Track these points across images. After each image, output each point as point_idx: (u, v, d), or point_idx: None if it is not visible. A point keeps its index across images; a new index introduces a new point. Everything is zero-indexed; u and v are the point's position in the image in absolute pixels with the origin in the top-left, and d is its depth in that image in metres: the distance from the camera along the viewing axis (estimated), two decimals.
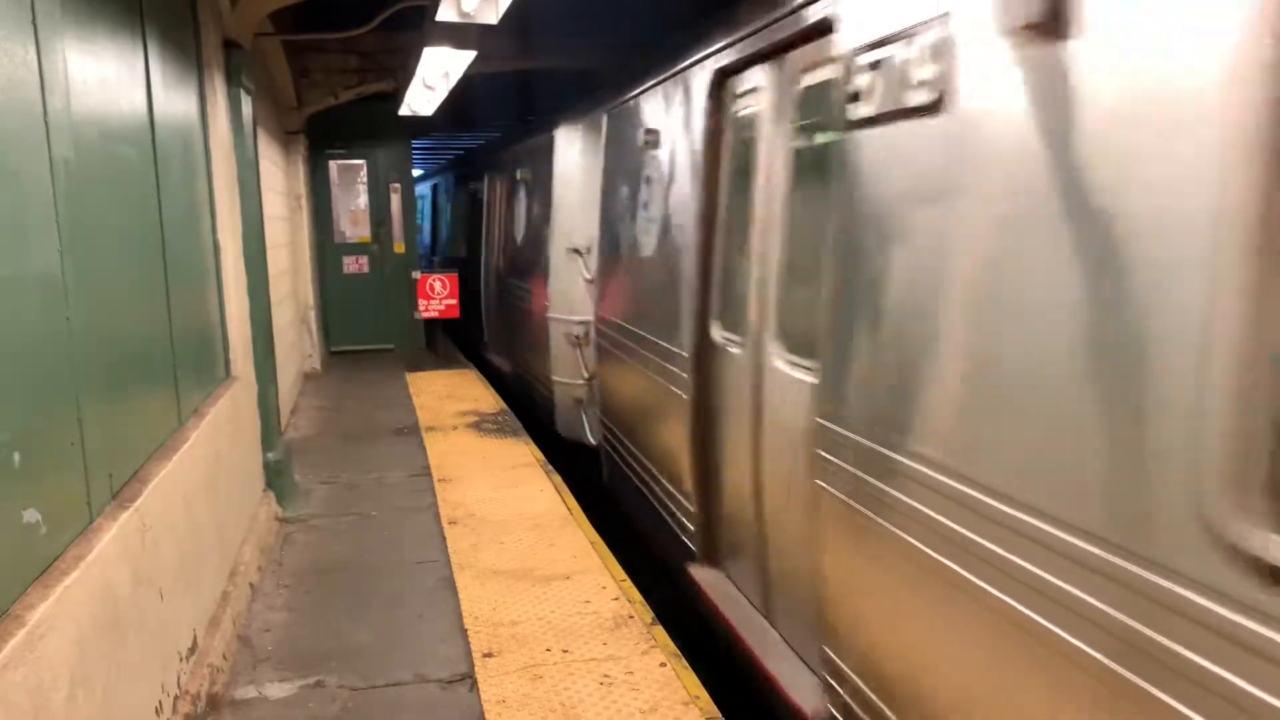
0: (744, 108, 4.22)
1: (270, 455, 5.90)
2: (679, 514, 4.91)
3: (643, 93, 5.65)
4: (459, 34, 6.22)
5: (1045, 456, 2.10)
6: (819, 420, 3.14)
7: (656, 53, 5.52)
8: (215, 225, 4.85)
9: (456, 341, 13.43)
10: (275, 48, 8.01)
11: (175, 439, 3.68)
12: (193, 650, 3.55)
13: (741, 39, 4.10)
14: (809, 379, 3.36)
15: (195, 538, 3.78)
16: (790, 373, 3.64)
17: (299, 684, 3.84)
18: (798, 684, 3.49)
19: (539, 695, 3.68)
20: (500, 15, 5.33)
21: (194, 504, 3.79)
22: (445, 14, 5.26)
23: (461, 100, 10.13)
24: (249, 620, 4.43)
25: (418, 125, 11.81)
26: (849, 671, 3.05)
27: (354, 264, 12.39)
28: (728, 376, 4.32)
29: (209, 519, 4.06)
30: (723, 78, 4.39)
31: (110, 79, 3.13)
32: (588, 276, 7.12)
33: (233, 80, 5.43)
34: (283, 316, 8.29)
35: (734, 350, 4.22)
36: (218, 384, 4.75)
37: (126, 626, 2.75)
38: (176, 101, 4.16)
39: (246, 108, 5.67)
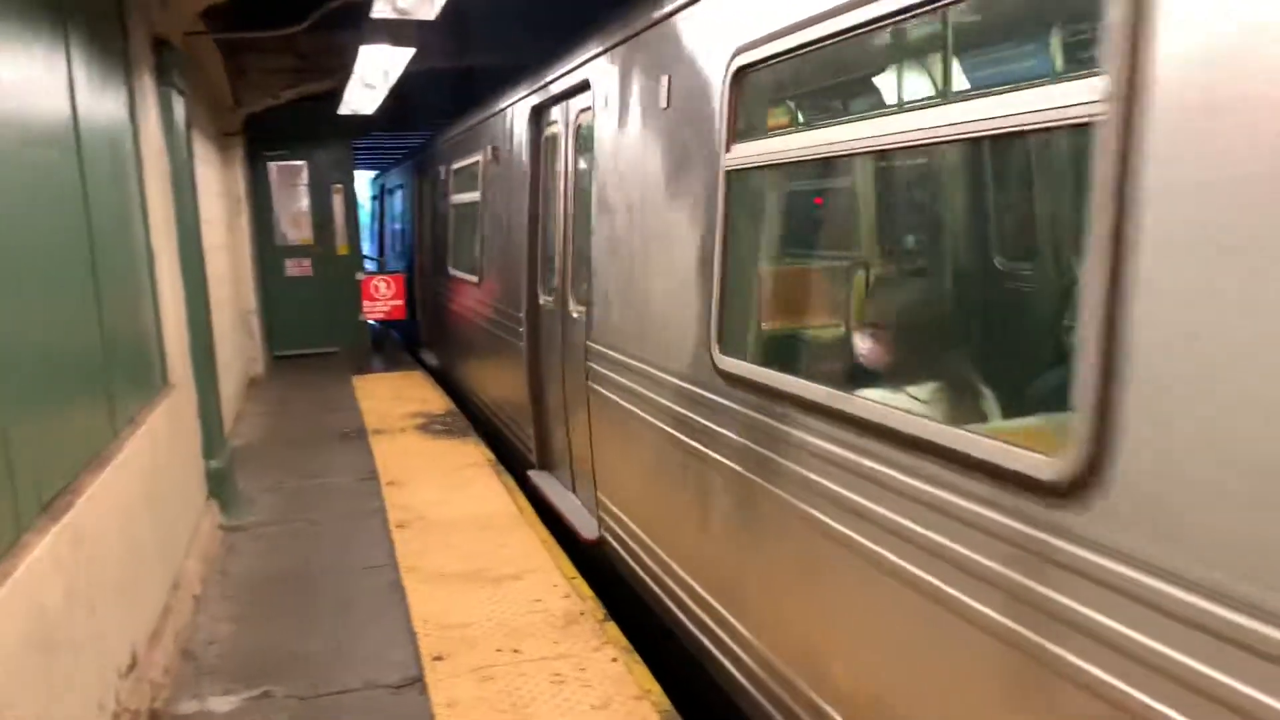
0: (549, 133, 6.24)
1: (213, 463, 5.78)
2: (524, 438, 6.90)
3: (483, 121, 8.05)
4: (396, 31, 6.15)
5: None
6: (589, 342, 4.98)
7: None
8: (148, 229, 4.72)
9: None
10: (211, 47, 7.81)
11: (109, 450, 3.58)
12: (132, 666, 3.46)
13: (544, 86, 6.04)
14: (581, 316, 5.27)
15: (133, 550, 3.69)
16: (574, 314, 5.50)
17: (245, 696, 3.77)
18: (585, 524, 5.40)
19: (490, 696, 3.66)
20: (437, 11, 5.29)
21: (131, 516, 3.70)
22: (381, 10, 5.20)
23: (404, 98, 10.00)
24: (193, 633, 4.33)
25: (360, 124, 11.63)
26: (610, 504, 4.91)
27: (296, 267, 12.15)
28: (548, 327, 6.27)
29: (148, 531, 3.96)
30: (539, 112, 6.34)
31: (29, 80, 3.03)
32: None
33: (163, 80, 5.29)
34: (223, 321, 8.11)
35: (548, 304, 6.26)
36: (155, 392, 4.63)
37: (59, 646, 2.67)
38: (103, 102, 4.04)
39: (179, 108, 5.54)
